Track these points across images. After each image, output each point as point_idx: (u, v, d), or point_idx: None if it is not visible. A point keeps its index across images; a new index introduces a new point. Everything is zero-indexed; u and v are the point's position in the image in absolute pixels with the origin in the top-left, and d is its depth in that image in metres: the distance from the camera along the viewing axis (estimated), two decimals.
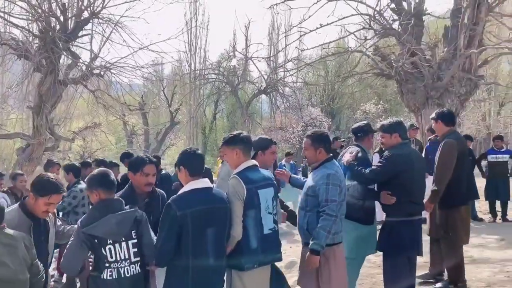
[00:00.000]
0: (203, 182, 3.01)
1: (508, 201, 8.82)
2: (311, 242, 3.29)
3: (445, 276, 4.85)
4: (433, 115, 4.85)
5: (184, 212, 2.84)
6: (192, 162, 3.02)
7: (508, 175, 8.92)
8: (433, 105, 9.27)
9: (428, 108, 9.41)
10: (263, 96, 25.34)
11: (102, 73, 10.53)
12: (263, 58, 22.04)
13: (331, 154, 3.64)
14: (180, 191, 2.99)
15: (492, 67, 16.86)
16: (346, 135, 31.52)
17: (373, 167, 4.09)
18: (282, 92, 22.28)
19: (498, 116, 24.37)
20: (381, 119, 30.25)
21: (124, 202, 2.96)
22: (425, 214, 4.81)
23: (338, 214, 3.34)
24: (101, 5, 9.84)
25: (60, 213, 5.41)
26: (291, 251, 6.46)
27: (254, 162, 3.33)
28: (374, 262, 5.58)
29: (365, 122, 4.64)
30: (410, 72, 9.24)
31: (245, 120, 22.17)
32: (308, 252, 3.31)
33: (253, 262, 3.09)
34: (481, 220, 8.48)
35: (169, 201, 2.94)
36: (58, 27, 9.60)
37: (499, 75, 22.67)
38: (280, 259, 3.32)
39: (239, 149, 3.22)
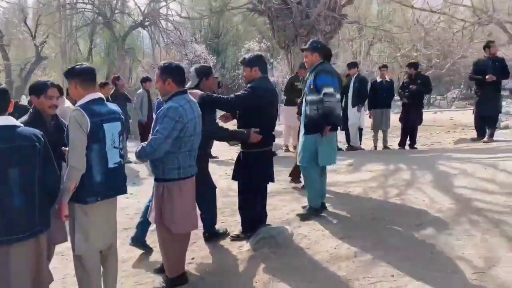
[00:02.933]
0: (8, 120, 2.73)
1: (387, 130, 9.54)
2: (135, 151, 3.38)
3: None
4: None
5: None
6: None
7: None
8: (301, 42, 9.67)
9: (297, 45, 9.80)
10: (144, 31, 23.93)
11: None
12: None
13: (184, 88, 3.54)
14: None
15: (360, 7, 17.93)
16: (231, 73, 31.66)
17: (238, 93, 4.19)
18: (162, 26, 21.23)
19: (367, 55, 26.37)
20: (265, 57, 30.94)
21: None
22: None
23: (157, 148, 3.24)
24: None
25: None
26: None
27: (100, 95, 3.24)
28: (236, 190, 5.90)
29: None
30: (280, 9, 9.42)
31: (122, 55, 20.87)
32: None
33: (96, 196, 3.12)
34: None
35: None
36: None
37: (369, 16, 24.30)
38: (125, 192, 3.34)
39: (74, 82, 3.19)
